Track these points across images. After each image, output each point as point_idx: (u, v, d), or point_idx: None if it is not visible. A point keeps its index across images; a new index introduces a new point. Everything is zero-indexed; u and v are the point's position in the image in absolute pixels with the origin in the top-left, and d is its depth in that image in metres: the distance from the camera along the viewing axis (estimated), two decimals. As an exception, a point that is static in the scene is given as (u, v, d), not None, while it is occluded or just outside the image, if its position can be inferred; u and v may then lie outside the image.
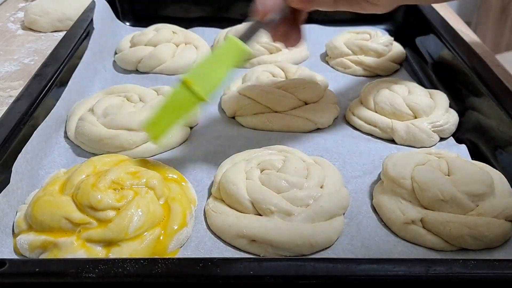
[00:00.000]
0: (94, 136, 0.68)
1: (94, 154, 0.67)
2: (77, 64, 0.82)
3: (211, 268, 0.42)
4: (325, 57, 0.98)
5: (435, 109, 0.75)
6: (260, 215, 0.56)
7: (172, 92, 0.58)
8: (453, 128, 0.75)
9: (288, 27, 0.64)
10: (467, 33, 1.09)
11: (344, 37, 0.96)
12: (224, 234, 0.56)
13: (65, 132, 0.72)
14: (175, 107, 0.57)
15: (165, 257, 0.53)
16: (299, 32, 0.66)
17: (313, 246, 0.54)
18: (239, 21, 1.00)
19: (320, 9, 0.65)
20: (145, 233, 0.52)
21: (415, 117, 0.74)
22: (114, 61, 0.94)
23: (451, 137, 0.75)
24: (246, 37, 0.57)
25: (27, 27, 1.12)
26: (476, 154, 0.70)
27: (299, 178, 0.58)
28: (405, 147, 0.72)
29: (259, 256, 0.54)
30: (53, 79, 0.73)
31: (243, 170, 0.60)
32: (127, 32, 1.02)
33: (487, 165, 0.63)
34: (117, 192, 0.54)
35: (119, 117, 0.69)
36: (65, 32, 0.89)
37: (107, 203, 0.52)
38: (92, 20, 0.93)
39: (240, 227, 0.54)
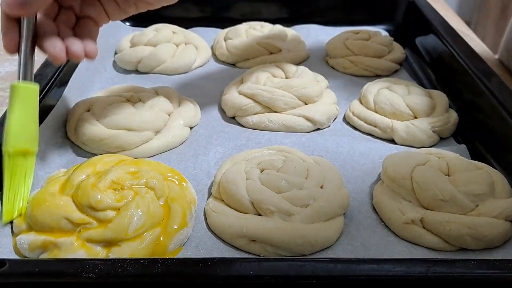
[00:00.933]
0: (94, 136, 0.68)
1: (94, 154, 0.67)
2: (77, 64, 0.82)
3: (211, 268, 0.42)
4: (325, 57, 0.98)
5: (435, 109, 0.75)
6: (260, 215, 0.56)
7: (6, 168, 0.55)
8: (453, 128, 0.75)
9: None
10: (467, 33, 1.09)
11: (344, 37, 0.96)
12: (224, 234, 0.56)
13: (65, 132, 0.72)
14: (17, 177, 0.55)
15: (165, 257, 0.53)
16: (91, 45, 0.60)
17: (313, 246, 0.54)
18: (239, 21, 1.01)
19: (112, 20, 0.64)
20: (145, 233, 0.52)
21: (415, 117, 0.74)
22: (114, 61, 0.94)
23: (451, 137, 0.75)
24: (24, 75, 0.55)
25: (27, 27, 1.12)
26: (476, 154, 0.70)
27: (299, 178, 0.58)
28: (405, 147, 0.72)
29: (259, 256, 0.54)
30: (53, 79, 0.73)
31: (243, 170, 0.60)
32: (127, 32, 1.02)
33: (487, 165, 0.63)
34: (117, 192, 0.54)
35: (119, 117, 0.69)
36: (65, 32, 0.89)
37: (107, 203, 0.52)
38: (92, 20, 0.93)
39: (240, 227, 0.54)
